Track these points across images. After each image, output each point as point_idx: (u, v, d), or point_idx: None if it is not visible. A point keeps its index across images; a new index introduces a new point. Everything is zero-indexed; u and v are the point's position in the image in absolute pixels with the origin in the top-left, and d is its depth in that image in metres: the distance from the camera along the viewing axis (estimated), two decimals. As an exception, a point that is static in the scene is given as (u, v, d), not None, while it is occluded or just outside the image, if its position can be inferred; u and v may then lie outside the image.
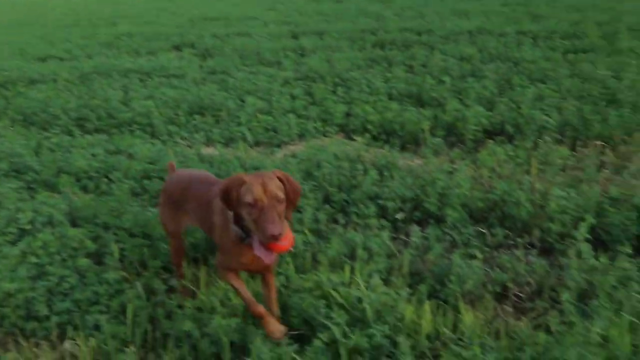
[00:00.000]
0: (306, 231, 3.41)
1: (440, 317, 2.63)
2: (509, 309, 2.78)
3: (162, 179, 4.39)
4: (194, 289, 3.08)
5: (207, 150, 5.15)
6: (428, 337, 2.56)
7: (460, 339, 2.50)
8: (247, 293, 2.56)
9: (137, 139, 5.40)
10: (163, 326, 2.78)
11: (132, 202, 3.99)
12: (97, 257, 3.37)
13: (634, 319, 2.56)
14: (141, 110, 6.08)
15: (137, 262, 3.36)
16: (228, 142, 5.45)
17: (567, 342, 2.33)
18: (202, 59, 9.40)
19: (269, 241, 2.16)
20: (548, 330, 2.60)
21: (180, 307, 2.91)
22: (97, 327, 2.83)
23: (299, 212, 3.69)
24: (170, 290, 3.14)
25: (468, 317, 2.55)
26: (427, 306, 2.60)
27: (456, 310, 2.73)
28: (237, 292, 2.57)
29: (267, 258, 2.25)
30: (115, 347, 2.68)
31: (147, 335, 2.79)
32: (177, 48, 10.66)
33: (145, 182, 4.28)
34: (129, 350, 2.63)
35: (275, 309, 2.69)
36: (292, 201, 2.35)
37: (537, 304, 2.79)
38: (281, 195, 2.24)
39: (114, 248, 3.30)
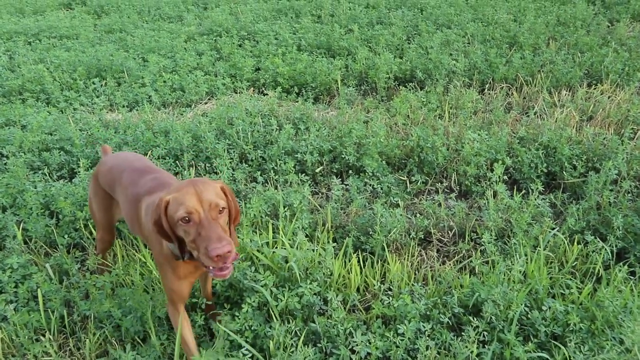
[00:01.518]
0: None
1: (368, 269, 2.62)
2: (434, 254, 2.83)
3: (63, 150, 4.05)
4: (109, 265, 2.88)
5: (111, 116, 4.80)
6: (358, 290, 2.55)
7: (389, 289, 2.51)
8: (191, 343, 2.11)
9: (29, 108, 4.93)
10: (80, 308, 2.58)
11: (32, 177, 3.65)
12: (-3, 242, 3.07)
13: (549, 253, 2.68)
14: (31, 76, 5.54)
15: (44, 242, 3.09)
16: (132, 105, 5.11)
17: (490, 281, 2.40)
18: (96, 17, 8.72)
19: (217, 264, 1.70)
20: (472, 272, 2.67)
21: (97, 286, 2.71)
22: (5, 319, 2.58)
23: (215, 172, 3.53)
24: (85, 269, 2.92)
25: (395, 266, 2.56)
26: (354, 260, 2.57)
27: (383, 260, 2.73)
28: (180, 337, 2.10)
29: (225, 274, 1.79)
30: (28, 337, 2.46)
31: (63, 320, 2.59)
32: (67, 6, 9.81)
33: (45, 154, 3.92)
34: (45, 339, 2.43)
35: (210, 291, 2.49)
36: (233, 217, 1.90)
37: (460, 247, 2.85)
38: (222, 203, 1.78)
39: (16, 230, 3.01)
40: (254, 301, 2.33)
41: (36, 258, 2.97)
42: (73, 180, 3.52)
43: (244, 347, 2.11)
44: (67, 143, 4.07)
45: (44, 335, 2.48)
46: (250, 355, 2.09)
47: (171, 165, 3.72)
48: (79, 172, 3.57)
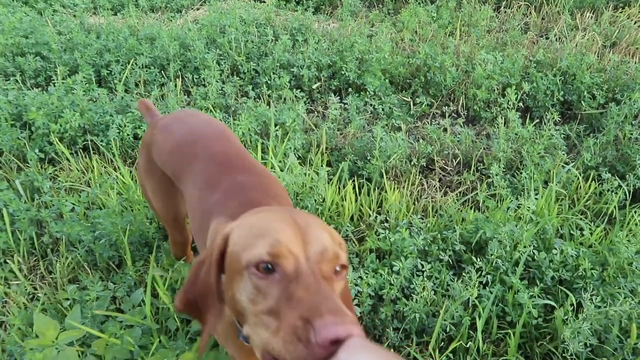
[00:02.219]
0: (211, 107, 2.99)
1: (364, 197, 2.41)
2: (436, 184, 2.61)
3: (40, 55, 3.71)
4: (81, 186, 2.66)
5: (93, 19, 4.42)
6: (352, 220, 2.35)
7: (386, 220, 2.31)
8: None
9: (3, 7, 4.52)
10: (51, 230, 2.37)
11: (4, 84, 3.35)
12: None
13: (561, 190, 2.46)
14: (7, -30, 5.09)
15: (15, 156, 2.85)
16: (117, 8, 4.71)
17: (497, 218, 2.19)
18: None
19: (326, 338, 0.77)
20: (477, 206, 2.47)
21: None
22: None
23: (204, 85, 3.24)
24: (57, 186, 2.70)
25: (393, 195, 2.34)
26: (349, 186, 2.35)
27: (381, 188, 2.51)
28: None
29: None
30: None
31: (34, 242, 2.40)
32: None
33: (19, 59, 3.59)
34: (14, 260, 2.25)
35: None
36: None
37: (464, 177, 2.63)
38: (342, 256, 0.94)
39: (-17, 140, 2.76)
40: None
41: (6, 173, 2.74)
42: (48, 89, 3.23)
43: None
44: (44, 48, 3.73)
45: (12, 256, 2.31)
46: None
47: (156, 76, 3.42)
48: (55, 80, 3.28)
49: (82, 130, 2.93)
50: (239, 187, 1.38)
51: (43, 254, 2.38)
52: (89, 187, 2.59)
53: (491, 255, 2.00)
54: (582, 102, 3.16)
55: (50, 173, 2.75)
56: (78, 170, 2.74)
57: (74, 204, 2.43)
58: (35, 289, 2.20)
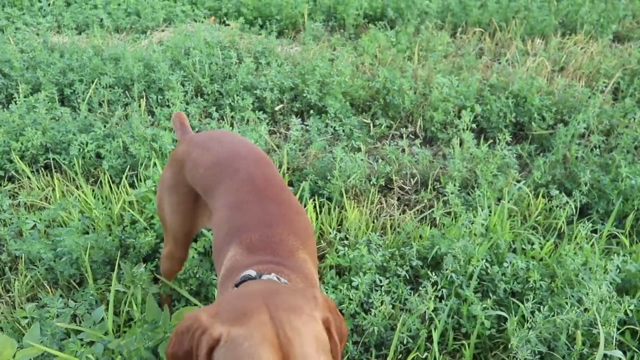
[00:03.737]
0: (175, 128, 3.03)
1: (324, 216, 2.47)
2: (394, 202, 2.69)
3: (1, 73, 3.69)
4: (42, 203, 2.65)
5: (57, 38, 4.41)
6: (312, 237, 2.41)
7: (346, 237, 2.37)
8: None
9: (-37, 24, 4.49)
10: (10, 248, 2.35)
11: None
12: None
13: (512, 206, 2.58)
14: (-34, -12, 5.04)
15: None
16: (82, 27, 4.71)
17: (452, 234, 2.28)
18: None
19: None
20: (433, 223, 2.56)
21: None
22: None
23: (168, 106, 3.27)
24: (17, 204, 2.68)
25: (353, 214, 2.41)
26: (310, 205, 2.41)
27: (341, 207, 2.58)
28: None
29: None
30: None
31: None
32: None
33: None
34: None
35: None
36: (337, 353, 1.04)
37: (421, 195, 2.72)
38: None
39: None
40: (200, 245, 2.16)
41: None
42: (10, 106, 3.21)
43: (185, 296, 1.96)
44: (5, 65, 3.71)
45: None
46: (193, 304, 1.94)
47: (120, 96, 3.43)
48: (17, 98, 3.26)
49: (43, 149, 2.93)
50: (267, 218, 1.41)
51: (0, 272, 2.35)
52: (50, 205, 2.57)
53: (446, 269, 2.09)
54: (533, 123, 3.32)
55: (9, 190, 2.73)
56: (39, 189, 2.72)
57: (34, 222, 2.42)
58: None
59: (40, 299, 2.16)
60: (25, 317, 2.06)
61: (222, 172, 1.55)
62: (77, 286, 2.25)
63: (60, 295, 2.16)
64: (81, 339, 1.90)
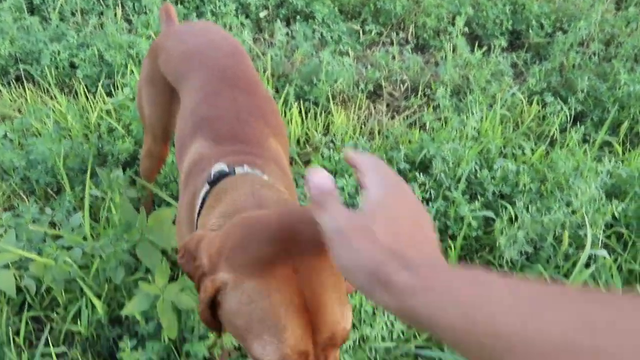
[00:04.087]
0: (153, 35, 2.88)
1: (310, 120, 2.38)
2: (383, 109, 2.60)
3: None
4: (15, 114, 2.54)
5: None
6: (298, 143, 2.33)
7: (332, 142, 2.29)
8: None
9: None
10: (-18, 156, 2.27)
11: None
12: None
13: (505, 112, 2.49)
14: None
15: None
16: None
17: (442, 137, 2.21)
18: None
19: None
20: (423, 128, 2.48)
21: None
22: None
23: (145, 13, 3.10)
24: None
25: (340, 118, 2.32)
26: (294, 110, 2.32)
27: (327, 112, 2.49)
28: None
29: None
30: None
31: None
32: None
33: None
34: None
35: None
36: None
37: (411, 102, 2.62)
38: (348, 333, 0.79)
39: None
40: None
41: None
42: (-22, 15, 3.04)
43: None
44: None
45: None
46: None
47: (94, 5, 3.25)
48: (-16, 6, 3.07)
49: (13, 60, 2.78)
50: (235, 108, 1.29)
51: (-25, 183, 2.28)
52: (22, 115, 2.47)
53: (435, 170, 2.02)
54: (531, 31, 3.18)
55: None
56: (11, 100, 2.61)
57: (5, 131, 2.32)
58: (-31, 218, 2.12)
59: (17, 207, 2.10)
60: (2, 226, 2.00)
61: (193, 62, 1.44)
62: (54, 195, 2.18)
63: (36, 203, 2.10)
64: (60, 245, 1.86)
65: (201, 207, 1.07)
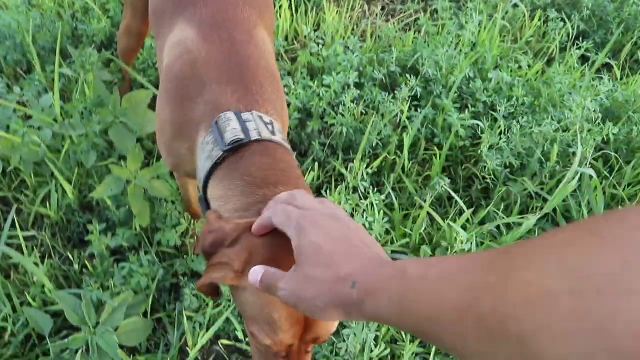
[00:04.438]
0: None
1: (300, 16, 2.24)
2: (378, 11, 2.46)
3: None
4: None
5: None
6: (286, 38, 2.21)
7: (322, 39, 2.17)
8: None
9: None
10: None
11: None
12: None
13: (506, 24, 2.37)
14: None
15: None
16: None
17: (436, 41, 2.10)
18: None
19: None
20: (418, 33, 2.36)
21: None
22: None
23: None
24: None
25: (332, 15, 2.19)
26: (284, 2, 2.17)
27: (319, 9, 2.35)
28: None
29: None
30: None
31: None
32: None
33: None
34: None
35: None
36: None
37: (408, 6, 2.48)
38: (331, 334, 0.88)
39: None
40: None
41: None
42: None
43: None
44: None
45: None
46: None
47: None
48: None
49: None
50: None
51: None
52: None
53: (425, 75, 1.93)
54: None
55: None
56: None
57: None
58: None
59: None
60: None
61: None
62: (24, 75, 2.06)
63: (7, 85, 1.98)
64: (29, 126, 1.77)
65: (210, 171, 0.96)
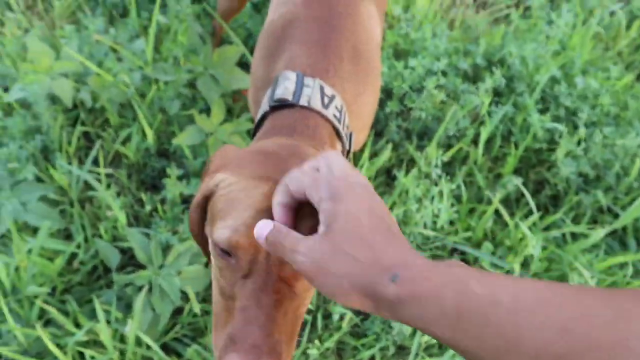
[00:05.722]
0: None
1: (391, -4, 2.23)
2: (469, 1, 2.41)
3: None
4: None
5: None
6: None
7: (409, 22, 2.16)
8: None
9: None
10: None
11: None
12: None
13: (600, 29, 2.29)
14: None
15: None
16: None
17: (525, 38, 2.05)
18: None
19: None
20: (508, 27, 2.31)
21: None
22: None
23: None
24: None
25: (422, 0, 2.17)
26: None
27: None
28: None
29: None
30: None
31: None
32: None
33: None
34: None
35: None
36: None
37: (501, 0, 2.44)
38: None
39: None
40: (252, -3, 1.98)
41: None
42: None
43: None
44: None
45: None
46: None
47: None
48: None
49: None
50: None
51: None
52: None
53: (511, 61, 1.89)
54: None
55: None
56: None
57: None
58: (31, 25, 2.10)
59: (80, 21, 2.06)
60: (64, 37, 1.98)
61: None
62: (118, 17, 2.13)
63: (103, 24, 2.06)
64: (121, 67, 1.83)
65: (257, 126, 1.01)
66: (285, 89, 0.96)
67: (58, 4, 2.10)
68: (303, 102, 0.95)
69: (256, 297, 0.70)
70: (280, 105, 0.96)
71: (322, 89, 0.98)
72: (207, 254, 0.89)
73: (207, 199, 0.81)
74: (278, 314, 0.70)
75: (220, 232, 0.72)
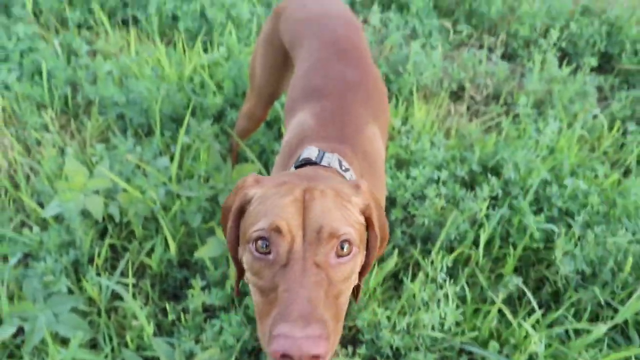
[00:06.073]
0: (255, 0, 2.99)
1: (391, 109, 2.45)
2: (463, 110, 2.64)
3: None
4: (118, 53, 2.70)
5: None
6: (375, 128, 2.40)
7: (409, 132, 2.36)
8: None
9: None
10: (85, 91, 2.45)
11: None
12: (5, 9, 2.86)
13: (584, 132, 2.49)
14: None
15: (54, 16, 2.88)
16: None
17: (516, 144, 2.24)
18: None
19: (275, 351, 0.75)
20: (499, 135, 2.51)
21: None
22: (6, 87, 2.47)
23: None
24: (94, 52, 2.75)
25: (420, 111, 2.38)
26: (379, 96, 2.38)
27: (409, 103, 2.55)
28: None
29: None
30: (29, 110, 2.36)
31: (67, 102, 2.48)
32: None
33: None
34: (47, 114, 2.33)
35: None
36: (375, 246, 0.99)
37: (491, 108, 2.65)
38: (348, 232, 0.88)
39: (25, -3, 2.79)
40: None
41: (44, 32, 2.78)
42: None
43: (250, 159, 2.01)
44: None
45: (46, 112, 2.39)
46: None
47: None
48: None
49: (122, 3, 2.95)
50: (343, 84, 1.38)
51: (75, 114, 2.46)
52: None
53: (507, 175, 2.05)
54: (623, 55, 3.12)
55: (87, 38, 2.80)
56: (115, 41, 2.78)
57: (111, 67, 2.49)
58: (65, 144, 2.30)
59: (110, 140, 2.26)
60: (95, 155, 2.17)
61: (310, 28, 1.54)
62: (143, 136, 2.33)
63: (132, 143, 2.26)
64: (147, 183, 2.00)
65: None
66: (309, 155, 1.20)
67: (90, 124, 2.31)
68: (324, 163, 1.18)
69: (298, 279, 0.79)
70: (303, 164, 1.20)
71: (340, 161, 1.20)
72: (240, 269, 1.01)
73: (241, 211, 0.97)
74: (319, 293, 0.79)
75: (261, 223, 0.85)
